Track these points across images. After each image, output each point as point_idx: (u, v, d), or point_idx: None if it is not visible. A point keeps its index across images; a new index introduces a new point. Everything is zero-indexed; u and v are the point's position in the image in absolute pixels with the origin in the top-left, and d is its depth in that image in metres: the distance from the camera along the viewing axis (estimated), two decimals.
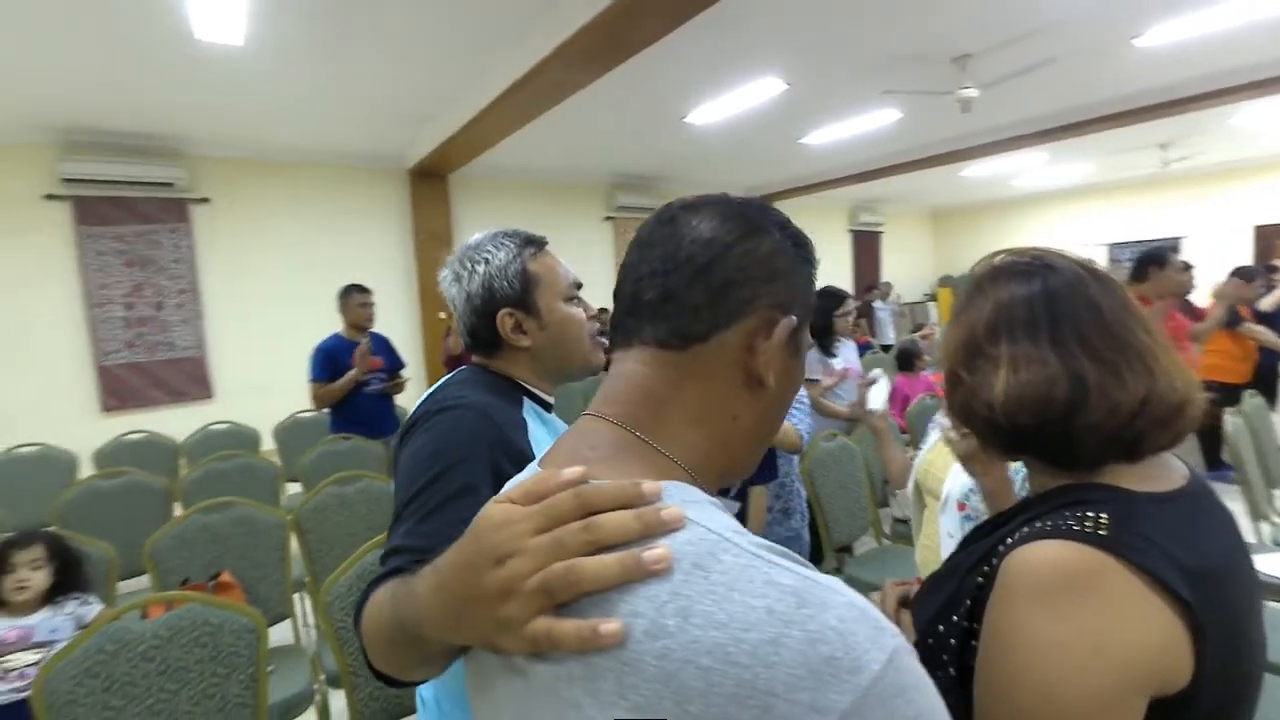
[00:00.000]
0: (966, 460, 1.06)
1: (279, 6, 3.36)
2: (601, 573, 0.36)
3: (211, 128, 5.29)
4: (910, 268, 12.38)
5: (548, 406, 1.02)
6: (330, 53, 3.98)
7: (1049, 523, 0.53)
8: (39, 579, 1.86)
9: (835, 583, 0.37)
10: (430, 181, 6.72)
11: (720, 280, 0.47)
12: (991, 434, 0.61)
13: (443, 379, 1.01)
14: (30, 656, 1.68)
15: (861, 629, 0.34)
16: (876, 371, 1.69)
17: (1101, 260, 10.06)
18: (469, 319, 1.00)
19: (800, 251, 0.53)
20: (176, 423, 4.39)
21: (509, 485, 0.47)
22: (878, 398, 1.62)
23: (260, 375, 5.90)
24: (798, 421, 1.78)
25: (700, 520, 0.39)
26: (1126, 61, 4.94)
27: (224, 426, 3.66)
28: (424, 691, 0.94)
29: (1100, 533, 0.50)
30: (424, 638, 0.46)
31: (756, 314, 0.48)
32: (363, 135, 5.79)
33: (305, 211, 6.27)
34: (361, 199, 6.57)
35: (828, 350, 2.99)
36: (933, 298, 12.06)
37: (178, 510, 2.60)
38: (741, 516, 1.73)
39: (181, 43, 3.65)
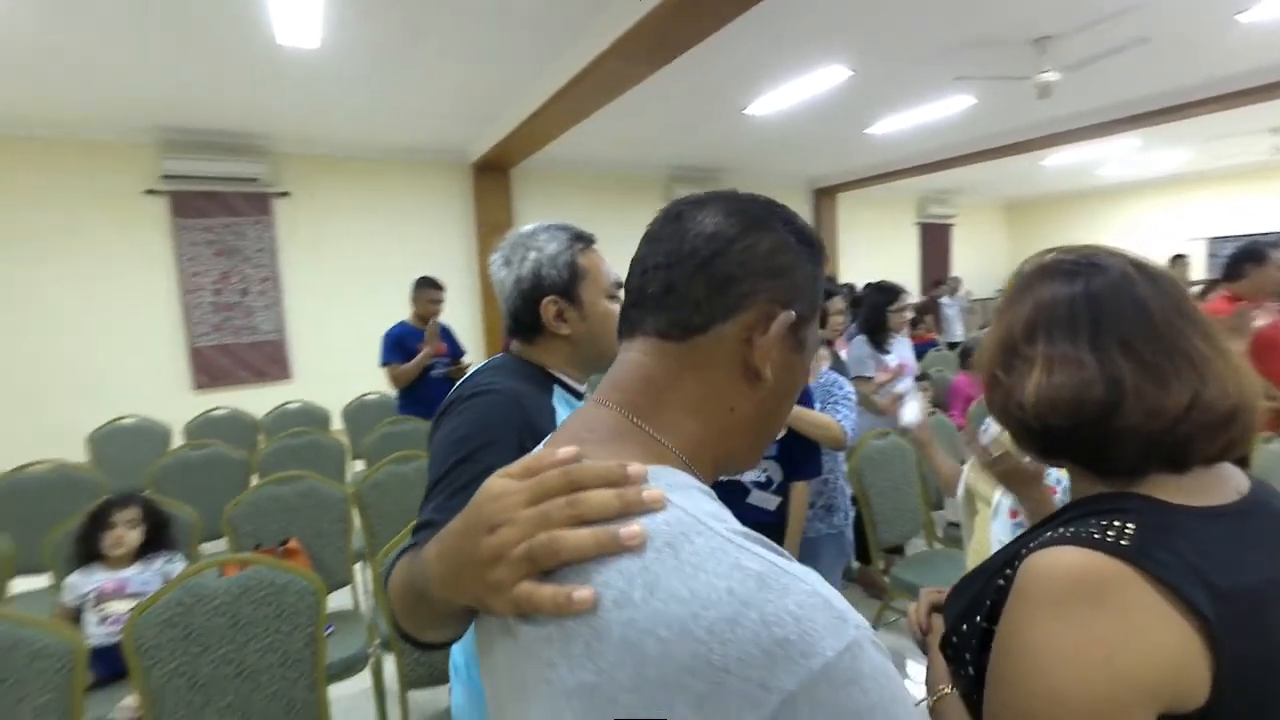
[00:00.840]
0: (1005, 480, 1.03)
1: (352, 11, 3.53)
2: (580, 544, 0.39)
3: (292, 126, 5.62)
4: (982, 262, 11.81)
5: (578, 395, 1.06)
6: (399, 54, 4.16)
7: (1072, 529, 0.52)
8: (134, 537, 2.05)
9: (807, 573, 0.38)
10: (492, 175, 6.91)
11: (721, 274, 0.49)
12: (1025, 436, 0.60)
13: (478, 365, 1.06)
14: (125, 605, 1.86)
15: (820, 616, 0.35)
16: (905, 384, 1.64)
17: (1199, 256, 9.34)
18: (515, 302, 1.04)
19: (805, 249, 0.53)
20: (258, 401, 4.70)
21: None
22: (911, 412, 1.56)
23: (333, 359, 6.24)
24: (842, 418, 1.75)
25: (681, 503, 0.41)
26: (1230, 39, 4.54)
27: (297, 405, 3.91)
28: (456, 658, 0.99)
29: (1123, 542, 0.49)
30: (432, 598, 0.49)
31: (755, 308, 0.49)
32: (429, 131, 6.01)
33: (376, 205, 6.58)
34: (428, 193, 6.82)
35: (881, 346, 2.91)
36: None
37: (254, 481, 2.80)
38: (782, 511, 1.72)
39: (264, 47, 3.90)
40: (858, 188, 9.16)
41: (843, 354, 3.08)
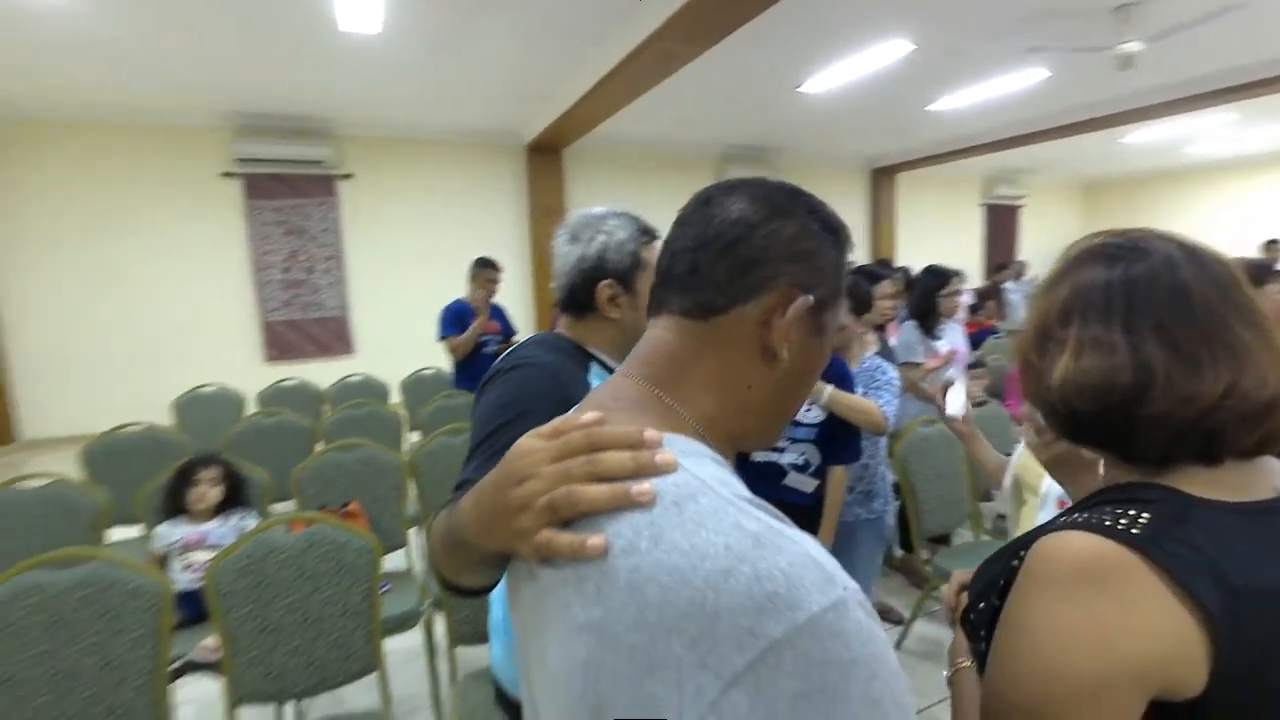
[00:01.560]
0: (1051, 467, 1.01)
1: None
2: (596, 498, 0.43)
3: (354, 110, 5.83)
4: (1053, 245, 11.17)
5: (613, 372, 1.10)
6: (456, 37, 4.24)
7: (1086, 515, 0.52)
8: (214, 494, 2.24)
9: (803, 537, 0.41)
10: (546, 156, 6.99)
11: (744, 258, 0.51)
12: (1054, 420, 0.60)
13: (522, 340, 1.12)
14: (205, 555, 2.04)
15: (809, 575, 0.37)
16: (954, 372, 1.59)
17: None
18: (574, 277, 1.08)
19: (830, 236, 0.55)
20: (323, 373, 4.96)
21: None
22: (955, 402, 1.52)
23: (393, 334, 6.50)
24: (884, 403, 1.73)
25: (690, 468, 0.45)
26: None
27: (359, 378, 4.11)
28: (495, 615, 1.06)
29: (1134, 531, 0.49)
30: (467, 544, 0.55)
31: (776, 291, 0.51)
32: (485, 113, 6.12)
33: (433, 186, 6.76)
34: (482, 174, 6.97)
35: (931, 332, 2.83)
36: None
37: (319, 447, 2.98)
38: (819, 494, 1.73)
39: (328, 34, 4.05)
40: (919, 167, 8.82)
41: (892, 340, 3.02)
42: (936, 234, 9.93)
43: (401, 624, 1.96)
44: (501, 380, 0.98)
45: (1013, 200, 10.48)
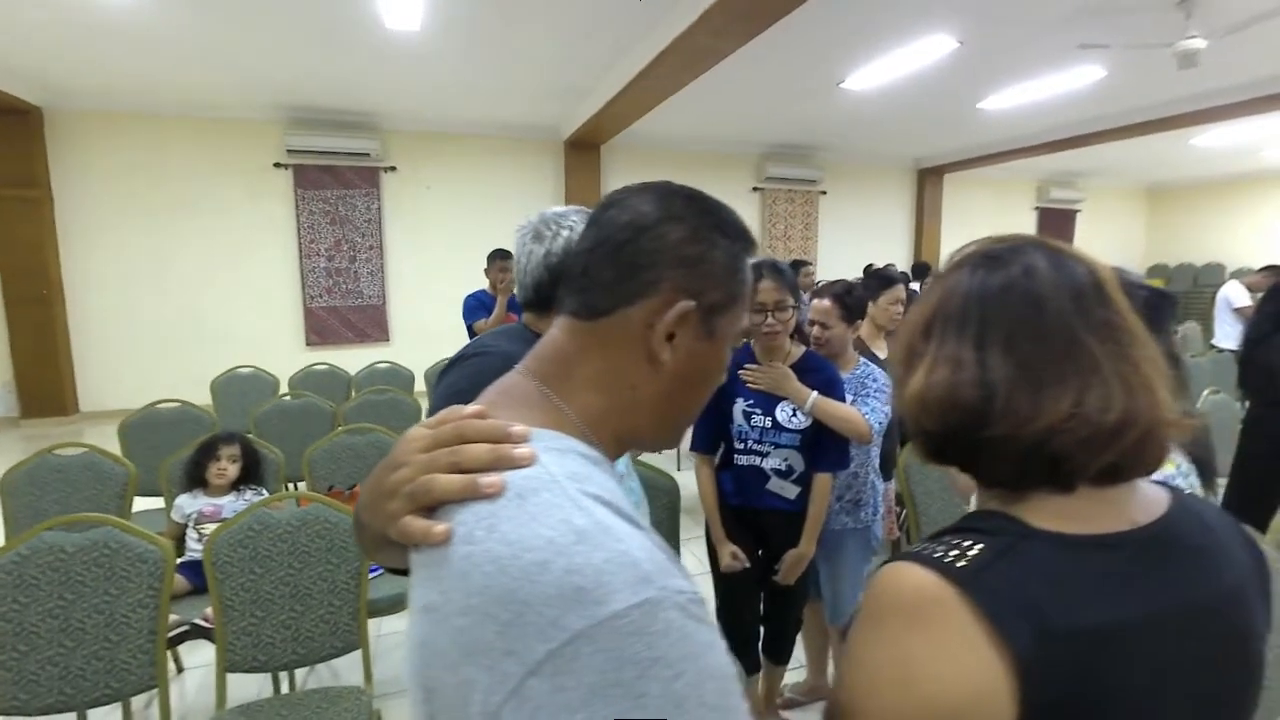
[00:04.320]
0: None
1: None
2: (448, 488, 0.45)
3: (398, 104, 6.00)
4: (1113, 252, 10.65)
5: None
6: (495, 33, 4.32)
7: (927, 546, 0.50)
8: (233, 470, 2.36)
9: (631, 537, 0.41)
10: (583, 152, 7.04)
11: (628, 261, 0.52)
12: (913, 439, 0.57)
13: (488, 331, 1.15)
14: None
15: (622, 574, 0.38)
16: None
17: None
18: (539, 274, 1.11)
19: (726, 241, 0.55)
20: (361, 359, 5.13)
21: None
22: None
23: (427, 323, 6.67)
24: (870, 411, 1.69)
25: (548, 463, 0.46)
26: None
27: (386, 366, 4.24)
28: None
29: (959, 564, 0.46)
30: (363, 524, 0.57)
31: (660, 295, 0.52)
32: (524, 108, 6.21)
33: (473, 179, 6.90)
34: (521, 169, 7.07)
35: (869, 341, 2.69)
36: None
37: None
38: (803, 500, 1.70)
39: (374, 31, 4.19)
40: (967, 168, 8.52)
41: None
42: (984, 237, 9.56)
43: (393, 605, 2.02)
44: (459, 367, 1.02)
45: (1069, 204, 10.01)
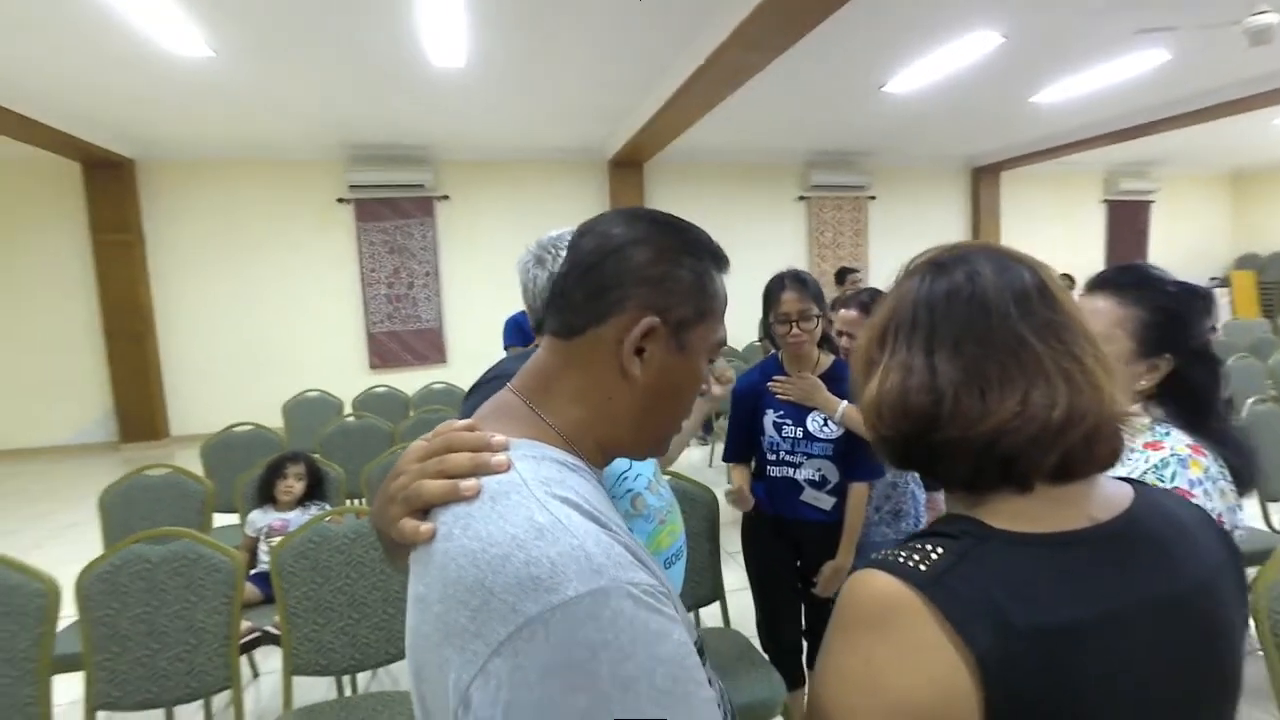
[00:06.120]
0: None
1: (490, 31, 3.90)
2: (433, 492, 0.51)
3: (449, 136, 6.29)
4: (1194, 244, 9.97)
5: None
6: (535, 63, 4.50)
7: (891, 552, 0.51)
8: (299, 487, 2.52)
9: (590, 533, 0.45)
10: (627, 171, 7.17)
11: (596, 282, 0.57)
12: (874, 445, 0.59)
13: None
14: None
15: (575, 566, 0.42)
16: None
17: None
18: (547, 296, 1.17)
19: (690, 259, 0.59)
20: (420, 381, 5.37)
21: None
22: None
23: (482, 344, 6.89)
24: None
25: (523, 470, 0.51)
26: None
27: (442, 386, 4.44)
28: None
29: (922, 568, 0.47)
30: (375, 527, 0.63)
31: (627, 313, 0.56)
32: (566, 132, 6.39)
33: (523, 204, 7.14)
34: (567, 191, 7.26)
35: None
36: (1223, 282, 9.57)
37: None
38: (839, 510, 1.69)
39: (423, 70, 4.44)
40: (1025, 164, 8.18)
41: None
42: (1047, 235, 9.13)
43: None
44: (481, 390, 1.08)
45: (1141, 195, 9.44)
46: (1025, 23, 4.18)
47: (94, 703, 1.59)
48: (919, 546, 0.50)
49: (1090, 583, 0.47)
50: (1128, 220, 9.48)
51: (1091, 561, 0.48)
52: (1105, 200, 9.44)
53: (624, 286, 0.56)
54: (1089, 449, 0.50)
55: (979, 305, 0.52)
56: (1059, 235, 9.21)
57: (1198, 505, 0.56)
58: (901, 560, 0.49)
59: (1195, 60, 4.97)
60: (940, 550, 0.48)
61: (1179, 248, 9.71)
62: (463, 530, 0.47)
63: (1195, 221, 10.06)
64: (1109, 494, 0.53)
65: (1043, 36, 4.44)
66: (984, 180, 8.63)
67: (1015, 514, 0.50)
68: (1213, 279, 9.70)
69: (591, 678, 0.39)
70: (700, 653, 0.50)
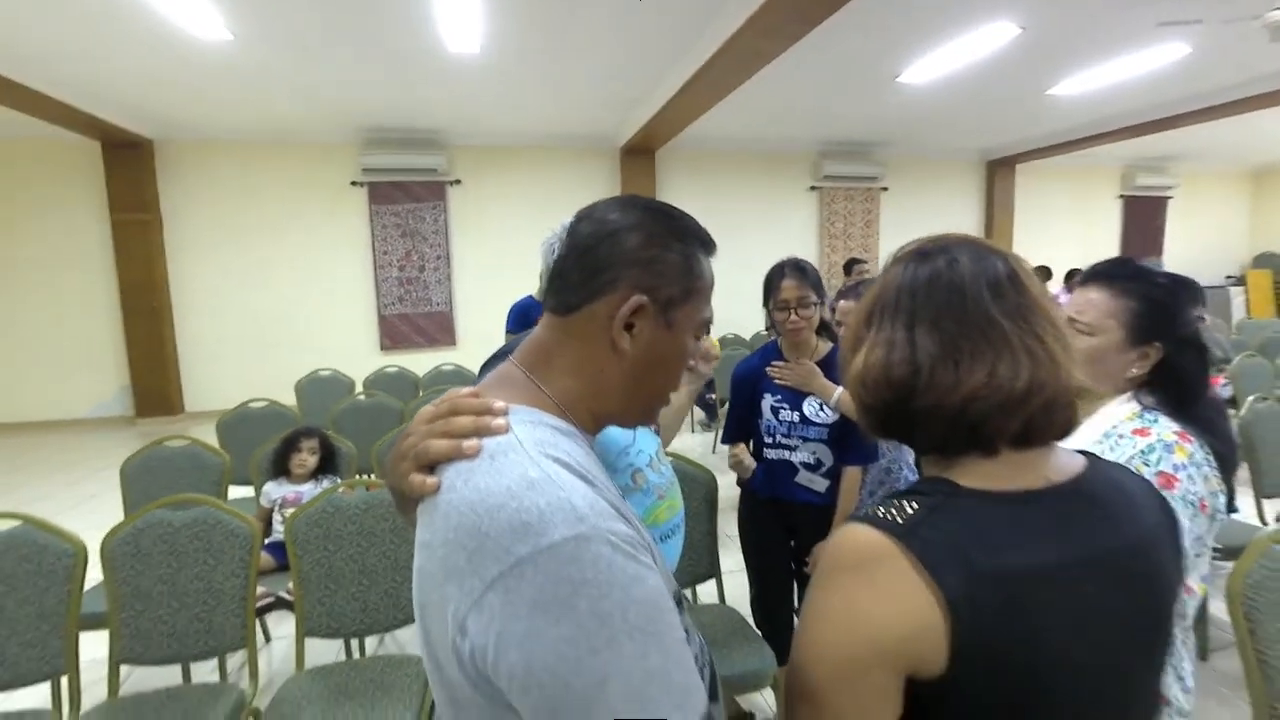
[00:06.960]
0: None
1: (505, 17, 3.92)
2: (439, 449, 0.57)
3: (463, 121, 6.32)
4: (1212, 241, 9.84)
5: None
6: (550, 50, 4.52)
7: (872, 508, 0.57)
8: (312, 461, 2.60)
9: (577, 487, 0.51)
10: (639, 158, 7.18)
11: (591, 264, 0.62)
12: (858, 416, 0.65)
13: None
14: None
15: (560, 515, 0.48)
16: None
17: None
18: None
19: (678, 243, 0.64)
20: (430, 362, 5.45)
21: None
22: None
23: (491, 327, 6.94)
24: None
25: (520, 432, 0.57)
26: None
27: (451, 367, 4.51)
28: None
29: (899, 520, 0.53)
30: (392, 487, 0.69)
31: (619, 292, 0.61)
32: (579, 119, 6.40)
33: (533, 189, 7.17)
34: (578, 177, 7.28)
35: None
36: (1239, 281, 9.44)
37: None
38: (833, 493, 1.74)
39: (438, 55, 4.47)
40: (1041, 157, 8.11)
41: None
42: (1062, 229, 9.06)
43: None
44: (492, 366, 1.14)
45: (1158, 191, 9.33)
46: (1044, 14, 4.14)
47: (118, 657, 1.68)
48: (897, 503, 0.56)
49: (1047, 534, 0.53)
50: (1144, 216, 9.38)
51: (1045, 516, 0.54)
52: (1122, 195, 9.34)
53: (616, 268, 0.61)
54: (1048, 416, 0.55)
55: (956, 289, 0.57)
56: (1073, 230, 9.14)
57: (1142, 477, 0.62)
58: (881, 514, 0.55)
59: (1216, 55, 4.90)
60: (915, 505, 0.54)
61: (1195, 245, 9.60)
62: (464, 483, 0.52)
63: (1213, 219, 9.93)
64: (1064, 461, 0.59)
65: (1061, 28, 4.40)
66: (999, 173, 8.55)
67: (983, 475, 0.56)
68: (1229, 277, 9.60)
69: (573, 611, 0.45)
70: (679, 605, 0.55)
